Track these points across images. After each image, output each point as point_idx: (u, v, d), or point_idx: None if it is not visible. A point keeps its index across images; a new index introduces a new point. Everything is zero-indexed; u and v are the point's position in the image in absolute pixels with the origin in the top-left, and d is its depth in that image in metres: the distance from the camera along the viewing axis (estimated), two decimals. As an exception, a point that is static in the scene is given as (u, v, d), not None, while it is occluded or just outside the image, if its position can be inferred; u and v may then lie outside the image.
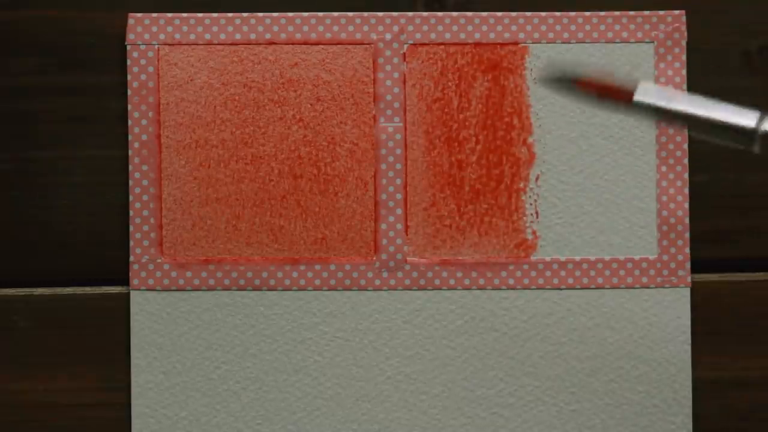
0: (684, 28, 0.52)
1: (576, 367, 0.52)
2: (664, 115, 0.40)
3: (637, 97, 0.40)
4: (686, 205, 0.52)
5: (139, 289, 0.52)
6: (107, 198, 0.53)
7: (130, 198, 0.52)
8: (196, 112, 0.52)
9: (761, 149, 0.38)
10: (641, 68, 0.52)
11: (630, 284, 0.52)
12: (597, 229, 0.52)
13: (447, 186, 0.52)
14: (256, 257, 0.52)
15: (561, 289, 0.52)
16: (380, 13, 0.52)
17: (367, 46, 0.52)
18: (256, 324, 0.52)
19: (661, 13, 0.52)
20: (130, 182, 0.52)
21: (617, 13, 0.52)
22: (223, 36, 0.52)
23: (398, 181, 0.52)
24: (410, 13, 0.52)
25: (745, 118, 0.38)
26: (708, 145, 0.53)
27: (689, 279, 0.52)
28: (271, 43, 0.52)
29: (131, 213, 0.52)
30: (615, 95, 0.42)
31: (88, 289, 0.53)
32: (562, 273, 0.52)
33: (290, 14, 0.52)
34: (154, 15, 0.52)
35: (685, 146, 0.52)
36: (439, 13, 0.52)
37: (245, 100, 0.52)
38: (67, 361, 0.52)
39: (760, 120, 0.37)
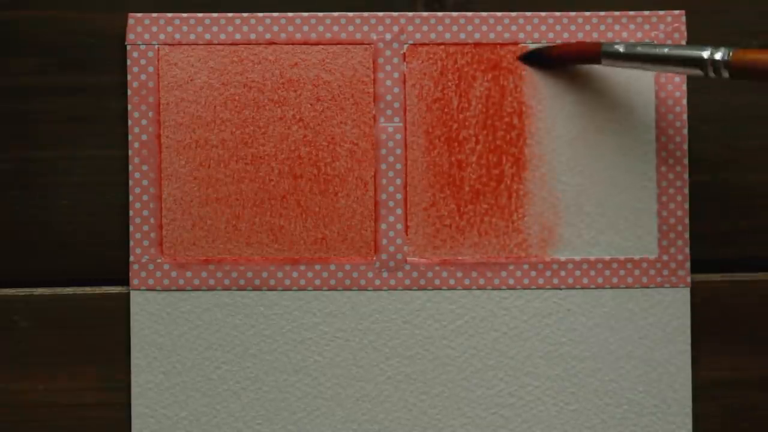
0: (684, 28, 0.52)
1: (576, 367, 0.52)
2: (630, 58, 0.48)
3: (605, 48, 0.48)
4: (686, 205, 0.52)
5: (139, 289, 0.52)
6: (107, 198, 0.53)
7: (130, 198, 0.52)
8: (196, 112, 0.52)
9: (717, 75, 0.46)
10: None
11: (630, 284, 0.52)
12: (597, 229, 0.52)
13: (447, 186, 0.52)
14: (256, 257, 0.52)
15: (561, 289, 0.52)
16: (380, 13, 0.52)
17: (367, 46, 0.52)
18: (256, 324, 0.52)
19: (661, 13, 0.52)
20: (130, 182, 0.52)
21: (617, 13, 0.52)
22: (223, 36, 0.52)
23: (398, 181, 0.52)
24: (410, 13, 0.52)
25: (697, 50, 0.46)
26: (708, 145, 0.53)
27: (689, 279, 0.52)
28: (271, 43, 0.52)
29: (131, 213, 0.52)
30: (585, 53, 0.50)
31: (88, 289, 0.53)
32: (562, 273, 0.52)
33: (290, 14, 0.52)
34: (154, 15, 0.52)
35: (685, 146, 0.52)
36: (439, 13, 0.52)
37: (245, 100, 0.52)
38: (67, 361, 0.52)
39: (711, 52, 0.46)
